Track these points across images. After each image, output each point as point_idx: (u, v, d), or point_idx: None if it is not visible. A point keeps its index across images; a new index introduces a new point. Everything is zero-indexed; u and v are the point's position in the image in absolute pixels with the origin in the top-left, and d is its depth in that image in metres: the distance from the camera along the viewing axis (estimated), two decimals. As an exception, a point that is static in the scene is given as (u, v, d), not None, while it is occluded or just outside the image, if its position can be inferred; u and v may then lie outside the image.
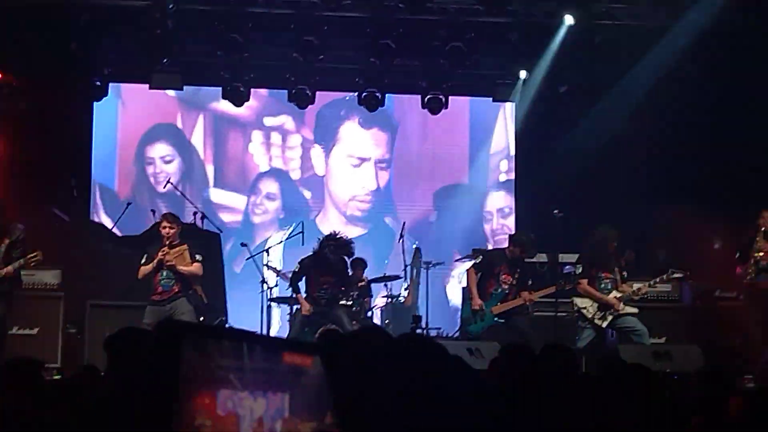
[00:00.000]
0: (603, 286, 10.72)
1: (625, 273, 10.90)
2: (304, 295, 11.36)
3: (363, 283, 12.20)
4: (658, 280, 10.88)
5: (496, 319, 11.00)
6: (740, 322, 11.06)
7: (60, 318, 11.16)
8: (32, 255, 10.09)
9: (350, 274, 11.84)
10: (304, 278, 11.41)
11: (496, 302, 11.01)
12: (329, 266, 11.38)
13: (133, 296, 10.34)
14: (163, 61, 12.84)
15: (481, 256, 11.62)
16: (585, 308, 10.69)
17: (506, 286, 11.03)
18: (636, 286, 10.81)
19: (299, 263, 11.50)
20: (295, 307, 11.71)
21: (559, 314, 11.16)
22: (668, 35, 12.01)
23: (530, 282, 11.14)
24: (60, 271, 11.21)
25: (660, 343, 11.06)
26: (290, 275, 11.57)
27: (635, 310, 10.69)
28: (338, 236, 11.48)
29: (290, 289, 11.56)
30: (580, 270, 10.89)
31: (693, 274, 11.32)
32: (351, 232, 13.09)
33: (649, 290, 11.00)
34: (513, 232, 12.89)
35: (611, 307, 10.61)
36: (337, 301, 11.44)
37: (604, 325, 10.64)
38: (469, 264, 11.91)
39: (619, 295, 10.65)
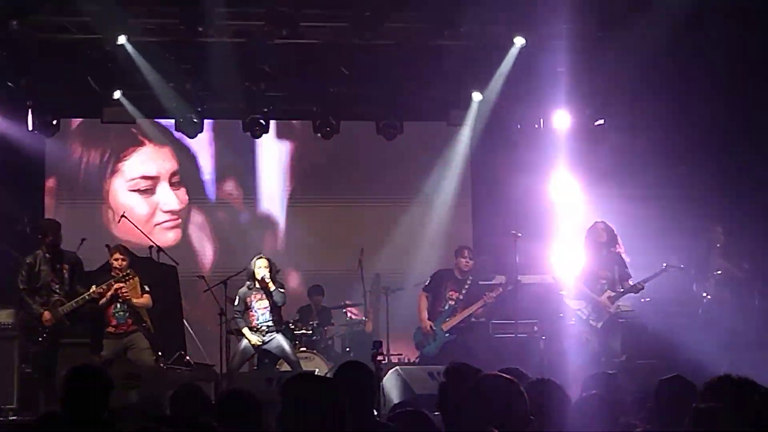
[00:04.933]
0: (599, 287, 10.46)
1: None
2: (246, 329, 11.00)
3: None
4: (651, 275, 10.56)
5: (447, 335, 11.09)
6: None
7: (15, 358, 10.89)
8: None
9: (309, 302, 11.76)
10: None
11: (444, 319, 11.12)
12: (262, 290, 11.02)
13: (84, 332, 10.15)
14: (113, 95, 12.73)
15: (429, 279, 11.61)
16: (580, 310, 10.51)
17: (453, 302, 11.20)
18: (631, 282, 10.54)
19: (237, 296, 11.16)
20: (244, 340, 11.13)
21: (519, 335, 11.13)
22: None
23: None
24: (14, 310, 10.98)
25: None
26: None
27: (630, 309, 10.65)
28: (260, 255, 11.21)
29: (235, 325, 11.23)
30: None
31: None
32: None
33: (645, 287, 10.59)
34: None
35: (605, 308, 10.41)
36: (278, 330, 11.07)
37: (599, 326, 10.39)
38: None
39: (612, 294, 10.47)
